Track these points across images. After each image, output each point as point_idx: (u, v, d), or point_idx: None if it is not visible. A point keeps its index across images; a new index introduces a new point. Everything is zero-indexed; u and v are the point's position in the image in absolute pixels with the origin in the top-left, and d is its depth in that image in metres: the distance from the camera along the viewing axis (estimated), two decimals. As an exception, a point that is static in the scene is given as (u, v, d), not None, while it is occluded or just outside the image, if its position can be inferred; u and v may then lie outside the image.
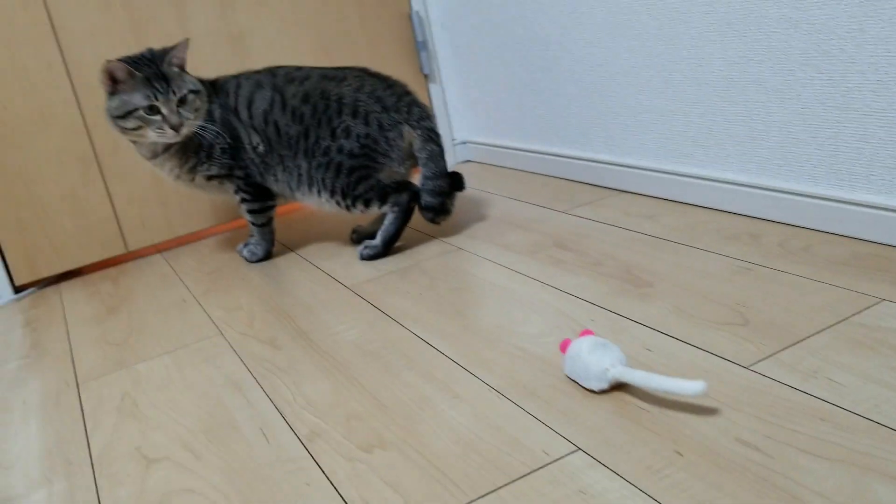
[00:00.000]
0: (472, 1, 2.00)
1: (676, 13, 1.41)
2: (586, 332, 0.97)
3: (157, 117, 1.45)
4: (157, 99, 1.44)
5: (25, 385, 1.30)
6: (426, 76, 2.19)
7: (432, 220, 1.55)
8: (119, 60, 1.43)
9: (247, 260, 1.71)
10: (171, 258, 1.88)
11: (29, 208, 1.80)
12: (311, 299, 1.41)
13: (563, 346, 0.97)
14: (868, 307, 1.00)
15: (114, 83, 1.45)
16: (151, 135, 1.47)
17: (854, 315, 0.99)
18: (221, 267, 1.72)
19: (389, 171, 1.52)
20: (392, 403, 1.00)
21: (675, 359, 0.97)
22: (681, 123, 1.48)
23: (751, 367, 0.92)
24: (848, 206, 1.21)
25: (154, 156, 1.56)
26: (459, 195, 1.62)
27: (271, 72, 1.59)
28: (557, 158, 1.87)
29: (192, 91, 1.50)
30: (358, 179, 1.50)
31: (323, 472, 0.88)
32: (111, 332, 1.46)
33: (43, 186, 1.80)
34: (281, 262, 1.66)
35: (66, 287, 1.82)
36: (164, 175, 1.60)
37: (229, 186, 1.62)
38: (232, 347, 1.27)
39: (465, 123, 2.26)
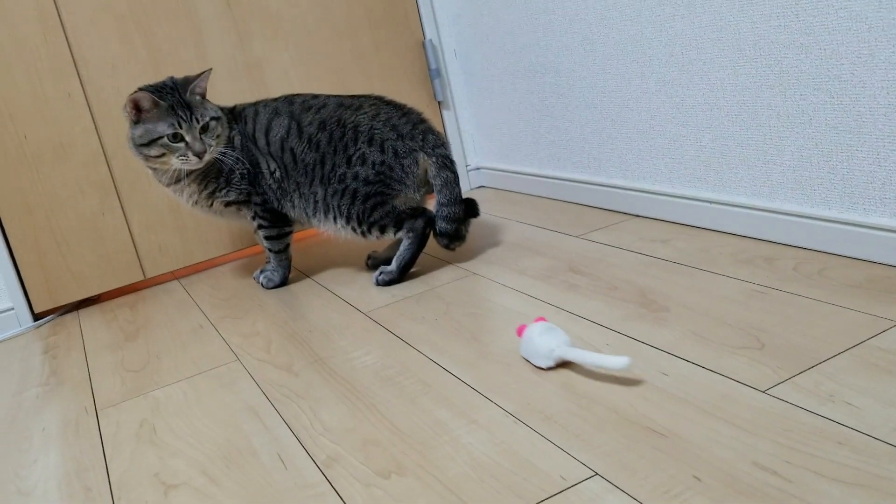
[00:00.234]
0: (484, 29, 2.03)
1: (688, 40, 1.42)
2: (539, 319, 1.11)
3: (181, 144, 1.48)
4: (181, 127, 1.47)
5: (45, 412, 1.31)
6: (440, 103, 2.21)
7: (447, 247, 1.56)
8: (143, 90, 1.46)
9: (263, 286, 1.72)
10: (188, 285, 1.90)
11: (48, 236, 1.82)
12: (327, 325, 1.42)
13: (520, 331, 1.11)
14: (884, 330, 1.00)
15: (138, 112, 1.48)
16: (175, 162, 1.50)
17: (870, 338, 0.98)
18: (238, 293, 1.73)
19: (405, 198, 1.53)
20: (409, 429, 1.00)
21: (691, 383, 0.97)
22: (693, 148, 1.49)
23: (767, 392, 0.91)
24: (862, 230, 1.21)
25: (174, 182, 1.58)
26: (474, 221, 1.63)
27: (289, 100, 1.61)
28: (571, 183, 1.88)
29: (213, 118, 1.52)
30: (373, 206, 1.51)
31: (340, 497, 0.88)
32: (129, 359, 1.47)
33: (62, 215, 1.83)
34: (297, 288, 1.67)
35: (84, 314, 1.84)
36: (183, 201, 1.63)
37: (247, 212, 1.64)
38: (249, 373, 1.28)
39: (478, 149, 2.28)
